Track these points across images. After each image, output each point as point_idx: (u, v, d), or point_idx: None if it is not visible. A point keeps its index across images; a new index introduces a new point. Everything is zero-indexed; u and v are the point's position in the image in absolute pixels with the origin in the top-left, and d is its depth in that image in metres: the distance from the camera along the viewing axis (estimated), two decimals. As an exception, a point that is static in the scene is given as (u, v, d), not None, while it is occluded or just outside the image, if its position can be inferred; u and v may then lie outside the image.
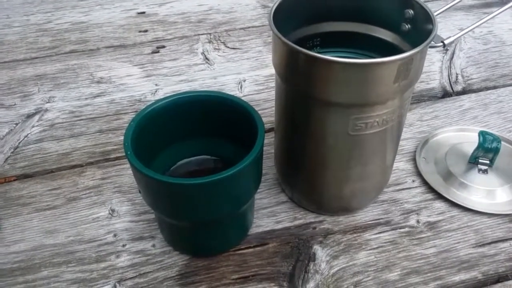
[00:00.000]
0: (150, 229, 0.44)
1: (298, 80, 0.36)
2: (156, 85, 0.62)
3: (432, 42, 0.39)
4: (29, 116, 0.57)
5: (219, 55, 0.67)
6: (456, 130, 0.53)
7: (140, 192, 0.38)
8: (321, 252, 0.42)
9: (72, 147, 0.53)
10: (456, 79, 0.62)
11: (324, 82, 0.34)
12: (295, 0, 0.40)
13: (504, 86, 0.61)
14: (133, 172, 0.36)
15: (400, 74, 0.33)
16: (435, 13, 0.44)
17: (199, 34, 0.72)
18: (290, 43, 0.34)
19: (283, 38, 0.34)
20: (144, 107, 0.39)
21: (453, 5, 0.47)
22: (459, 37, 0.42)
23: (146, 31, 0.73)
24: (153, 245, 0.42)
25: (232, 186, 0.35)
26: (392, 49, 0.42)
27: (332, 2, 0.41)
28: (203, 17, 0.76)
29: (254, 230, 0.44)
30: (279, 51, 0.36)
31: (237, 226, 0.42)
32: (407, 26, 0.40)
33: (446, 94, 0.60)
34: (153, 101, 0.40)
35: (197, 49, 0.69)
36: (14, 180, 0.49)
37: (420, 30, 0.38)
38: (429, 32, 0.36)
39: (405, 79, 0.34)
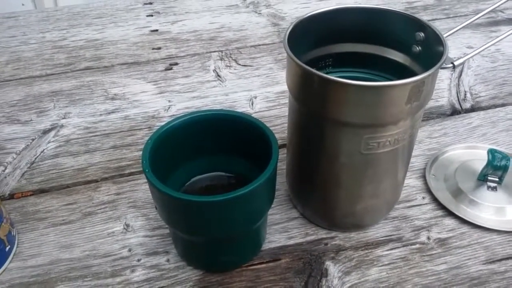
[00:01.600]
0: (164, 244, 0.44)
1: (312, 101, 0.37)
2: (169, 101, 0.63)
3: (443, 64, 0.40)
4: (45, 131, 0.58)
5: (230, 72, 0.69)
6: (465, 148, 0.54)
7: (156, 208, 0.39)
8: (333, 268, 0.42)
9: (88, 162, 0.54)
10: (465, 97, 0.63)
11: (337, 104, 0.35)
12: (309, 22, 0.41)
13: (512, 104, 0.62)
14: (151, 189, 0.37)
15: (412, 96, 0.34)
16: (445, 35, 0.45)
17: (211, 52, 0.73)
18: (304, 65, 0.35)
19: (297, 61, 0.35)
20: (159, 126, 0.40)
21: (462, 27, 0.48)
22: (469, 58, 0.43)
23: (159, 48, 0.75)
24: (167, 260, 0.43)
25: (247, 204, 0.36)
26: (403, 70, 0.43)
27: (345, 24, 0.43)
28: (214, 34, 0.78)
29: (266, 245, 0.44)
30: (293, 72, 0.37)
31: (250, 242, 0.42)
32: (418, 48, 0.41)
33: (455, 112, 0.60)
34: (168, 120, 0.41)
35: (209, 66, 0.70)
36: (31, 195, 0.50)
37: (430, 52, 0.39)
38: (439, 54, 0.37)
39: (416, 101, 0.35)
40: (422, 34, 0.40)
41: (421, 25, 0.40)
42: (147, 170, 0.36)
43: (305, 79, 0.36)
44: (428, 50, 0.40)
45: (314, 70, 0.34)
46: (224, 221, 0.37)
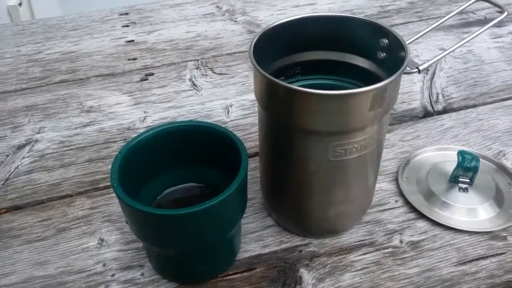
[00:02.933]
0: (138, 258, 0.44)
1: (279, 110, 0.37)
2: (145, 112, 0.63)
3: (408, 69, 0.40)
4: (20, 147, 0.58)
5: (206, 81, 0.69)
6: (437, 150, 0.55)
7: (127, 222, 0.39)
8: (307, 276, 0.42)
9: (62, 177, 0.54)
10: (437, 99, 0.64)
11: (302, 113, 0.35)
12: (276, 31, 0.41)
13: (483, 104, 0.62)
14: (120, 203, 0.37)
15: (375, 103, 0.35)
16: (413, 38, 0.46)
17: (186, 61, 0.74)
18: (269, 76, 0.35)
19: (262, 71, 0.36)
20: (129, 139, 0.40)
21: (432, 29, 0.48)
22: (434, 62, 0.44)
23: (135, 59, 0.74)
24: (142, 274, 0.43)
25: (217, 215, 0.36)
26: (369, 76, 0.43)
27: (311, 32, 0.43)
28: (190, 43, 0.78)
29: (242, 255, 0.44)
30: (259, 83, 0.38)
31: (224, 253, 0.42)
32: (382, 54, 0.42)
33: (427, 114, 0.61)
34: (139, 133, 0.41)
35: (185, 76, 0.70)
36: (5, 212, 0.50)
37: (394, 57, 0.39)
38: (402, 59, 0.38)
39: (380, 107, 0.35)
40: (385, 41, 0.41)
41: (384, 32, 0.41)
42: (115, 185, 0.36)
43: (270, 89, 0.37)
44: (392, 56, 0.40)
45: (278, 80, 0.35)
46: (195, 233, 0.37)
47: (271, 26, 0.41)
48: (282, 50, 0.44)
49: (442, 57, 0.43)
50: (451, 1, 0.87)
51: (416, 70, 0.42)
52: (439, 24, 0.54)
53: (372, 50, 0.42)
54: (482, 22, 0.80)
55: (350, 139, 0.37)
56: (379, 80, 0.43)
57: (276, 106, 0.37)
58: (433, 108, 0.62)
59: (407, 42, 0.39)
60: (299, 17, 0.42)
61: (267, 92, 0.37)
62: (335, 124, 0.36)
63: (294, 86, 0.34)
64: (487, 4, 0.80)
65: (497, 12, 0.83)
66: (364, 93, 0.34)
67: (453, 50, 0.46)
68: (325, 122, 0.35)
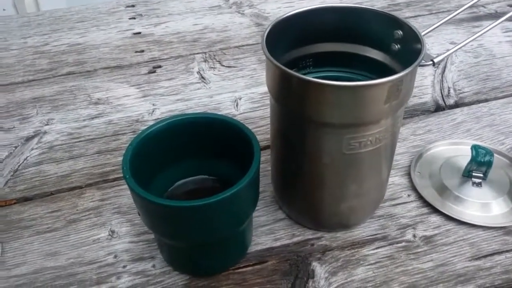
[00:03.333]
0: (150, 250, 0.44)
1: (292, 102, 0.37)
2: (153, 105, 0.63)
3: (422, 61, 0.40)
4: (28, 138, 0.58)
5: (214, 74, 0.68)
6: (449, 144, 0.54)
7: (139, 214, 0.38)
8: (319, 269, 0.42)
9: (71, 169, 0.53)
10: (448, 93, 0.63)
11: (316, 104, 0.35)
12: (288, 23, 0.41)
13: (495, 99, 0.62)
14: (132, 195, 0.37)
15: (391, 95, 0.34)
16: (424, 32, 0.45)
17: (194, 54, 0.73)
18: (283, 67, 0.35)
19: (276, 62, 0.35)
20: (140, 131, 0.40)
21: (443, 23, 0.48)
22: (449, 55, 0.43)
23: (142, 51, 0.74)
24: (153, 266, 0.43)
25: (229, 207, 0.36)
26: (383, 68, 0.43)
27: (323, 24, 0.43)
28: (198, 36, 0.77)
29: (253, 248, 0.44)
30: (272, 74, 0.37)
31: (236, 245, 0.42)
32: (397, 46, 0.41)
33: (438, 108, 0.61)
34: (149, 125, 0.41)
35: (192, 68, 0.70)
36: (14, 203, 0.50)
37: (409, 49, 0.39)
38: (418, 51, 0.37)
39: (395, 100, 0.35)
40: (400, 32, 0.40)
41: (399, 23, 0.40)
42: (127, 176, 0.36)
43: (284, 81, 0.36)
44: (406, 48, 0.40)
45: (292, 71, 0.34)
46: (207, 225, 0.36)
47: (283, 17, 0.40)
48: (294, 41, 0.43)
49: (457, 49, 0.43)
50: (461, -5, 0.87)
51: (431, 62, 0.41)
52: (451, 18, 0.53)
53: (386, 42, 0.42)
54: (493, 16, 0.80)
55: (365, 132, 0.36)
56: (393, 72, 0.42)
57: (289, 97, 0.37)
58: (444, 102, 0.61)
59: (423, 33, 0.39)
60: (312, 7, 0.42)
61: (281, 84, 0.37)
62: (349, 117, 0.35)
63: (309, 77, 0.34)
64: (498, -2, 0.79)
65: (508, 5, 0.82)
66: (380, 85, 0.33)
67: (467, 43, 0.45)
68: (339, 114, 0.35)
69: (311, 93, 0.35)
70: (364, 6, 0.42)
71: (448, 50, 0.43)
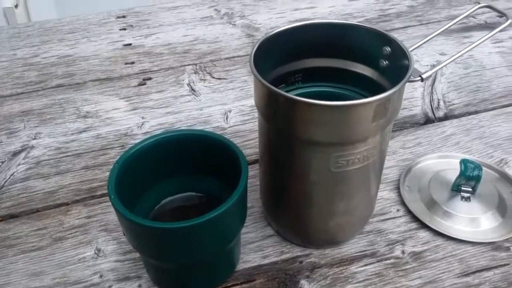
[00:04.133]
0: (136, 269, 0.43)
1: (279, 120, 0.37)
2: (142, 118, 0.62)
3: (411, 77, 0.39)
4: (15, 153, 0.57)
5: (205, 86, 0.68)
6: (438, 157, 0.54)
7: (124, 234, 0.38)
8: (308, 287, 0.42)
9: (58, 184, 0.53)
10: (438, 105, 0.63)
11: (303, 123, 0.35)
12: (277, 38, 0.40)
13: (485, 110, 0.62)
14: (117, 216, 0.36)
15: (378, 113, 0.34)
16: (415, 46, 0.45)
17: (185, 65, 0.73)
18: (270, 85, 0.34)
19: (263, 80, 0.35)
20: (127, 149, 0.40)
21: (433, 37, 0.48)
22: (437, 70, 0.43)
23: (132, 63, 0.74)
24: (139, 286, 0.42)
25: (217, 227, 0.36)
26: (371, 84, 0.43)
27: (312, 39, 0.42)
28: (188, 47, 0.77)
29: (241, 265, 0.44)
30: (260, 91, 0.37)
31: (224, 264, 0.42)
32: (385, 62, 0.41)
33: (428, 121, 0.60)
34: (137, 141, 0.40)
35: (183, 80, 0.69)
36: (0, 221, 0.49)
37: (397, 66, 0.39)
38: (406, 67, 0.37)
39: (383, 118, 0.35)
40: (388, 49, 0.40)
41: (387, 40, 0.40)
42: (112, 197, 0.35)
43: (271, 98, 0.36)
44: (395, 64, 0.40)
45: (279, 90, 0.34)
46: (194, 246, 0.36)
47: (272, 33, 0.40)
48: (282, 57, 0.43)
49: (445, 65, 0.43)
50: (451, 5, 0.87)
51: (419, 78, 0.41)
52: (444, 30, 0.53)
53: (375, 58, 0.42)
54: (483, 26, 0.80)
55: (353, 150, 0.36)
56: (381, 88, 0.42)
57: (277, 115, 0.37)
58: (434, 115, 0.61)
59: (410, 49, 0.39)
60: (300, 24, 0.42)
61: (268, 102, 0.37)
62: (337, 135, 0.35)
63: (296, 97, 0.33)
64: (488, 9, 0.80)
65: (497, 16, 0.82)
66: (367, 104, 0.33)
67: (457, 58, 0.45)
68: (326, 133, 0.35)
69: (298, 112, 0.34)
70: (353, 22, 0.42)
71: (438, 61, 0.43)
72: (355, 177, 0.39)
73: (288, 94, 0.34)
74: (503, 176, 0.51)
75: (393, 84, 0.34)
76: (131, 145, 0.40)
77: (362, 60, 0.43)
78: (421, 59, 0.72)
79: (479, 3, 0.67)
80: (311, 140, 0.36)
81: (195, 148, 0.42)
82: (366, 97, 0.34)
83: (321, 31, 0.43)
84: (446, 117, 0.61)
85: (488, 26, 0.80)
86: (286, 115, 0.35)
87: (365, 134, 0.35)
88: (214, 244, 0.37)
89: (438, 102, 0.63)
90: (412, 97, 0.65)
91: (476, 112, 0.62)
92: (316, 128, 0.35)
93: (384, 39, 0.40)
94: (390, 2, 0.89)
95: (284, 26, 0.41)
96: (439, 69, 0.42)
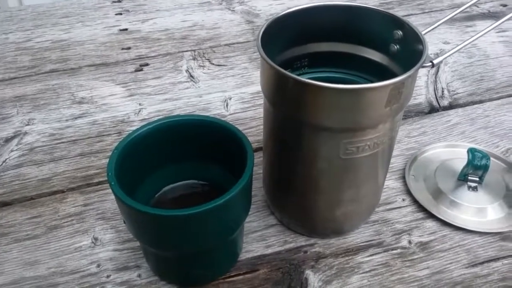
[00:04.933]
0: (135, 258, 0.42)
1: (288, 105, 0.35)
2: (139, 104, 0.60)
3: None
4: (8, 140, 0.55)
5: (204, 72, 0.66)
6: (444, 146, 0.53)
7: (124, 222, 0.36)
8: (313, 277, 0.40)
9: (53, 172, 0.51)
10: (442, 94, 0.62)
11: (314, 107, 0.33)
12: (283, 22, 0.39)
13: (490, 100, 0.61)
14: (118, 203, 0.34)
15: (392, 98, 0.33)
16: (422, 32, 0.43)
17: (183, 51, 0.71)
18: (279, 68, 0.33)
19: (272, 63, 0.33)
20: (126, 134, 0.38)
21: (441, 23, 0.46)
22: (449, 55, 0.41)
23: (129, 48, 0.72)
24: (139, 275, 0.41)
25: (221, 215, 0.34)
26: (381, 70, 0.41)
27: (320, 22, 0.41)
28: (187, 33, 0.75)
29: (244, 255, 0.42)
30: (268, 75, 0.36)
31: (227, 254, 0.40)
32: (396, 47, 0.40)
33: (433, 110, 0.59)
34: (136, 127, 0.38)
35: (181, 67, 0.67)
36: (-8, 208, 0.47)
37: (409, 50, 0.37)
38: (419, 52, 0.36)
39: (396, 103, 0.33)
40: (400, 33, 0.39)
41: (399, 23, 0.38)
42: (112, 183, 0.34)
43: (280, 82, 0.35)
44: (406, 49, 0.38)
45: (289, 73, 0.33)
46: (197, 235, 0.34)
47: (278, 16, 0.38)
48: (289, 41, 0.41)
49: (457, 50, 0.41)
50: (454, -6, 0.86)
51: (430, 64, 0.39)
52: (452, 17, 0.51)
53: (385, 42, 0.40)
54: (486, 15, 0.79)
55: (363, 136, 0.35)
56: (390, 73, 0.41)
57: (285, 100, 0.35)
58: (438, 104, 0.60)
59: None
60: (309, 5, 0.40)
61: (276, 86, 0.35)
62: (348, 121, 0.33)
63: (308, 80, 0.32)
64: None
65: (501, 5, 0.81)
66: (382, 88, 0.32)
67: (468, 44, 0.44)
68: (338, 118, 0.33)
69: (308, 96, 0.33)
70: (362, 4, 0.41)
71: (442, 50, 0.41)
72: (364, 165, 0.37)
73: (299, 77, 0.32)
74: (510, 166, 0.50)
75: (404, 70, 0.33)
76: (129, 132, 0.38)
77: (372, 44, 0.41)
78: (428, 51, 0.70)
79: (483, -9, 0.66)
80: (321, 125, 0.34)
81: (198, 135, 0.40)
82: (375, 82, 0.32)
83: (329, 14, 0.41)
84: (451, 106, 0.60)
85: (491, 15, 0.79)
86: (295, 99, 0.34)
87: (377, 120, 0.34)
88: (217, 233, 0.36)
89: (443, 91, 0.62)
90: (416, 85, 0.63)
91: (480, 102, 0.61)
92: (328, 113, 0.33)
93: (395, 22, 0.39)
94: (391, -10, 0.87)
95: (291, 8, 0.40)
96: (451, 54, 0.40)
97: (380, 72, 0.41)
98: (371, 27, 0.40)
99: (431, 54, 0.69)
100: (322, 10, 0.41)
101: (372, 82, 0.42)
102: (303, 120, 0.35)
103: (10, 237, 0.44)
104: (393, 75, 0.40)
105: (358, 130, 0.34)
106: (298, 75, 0.44)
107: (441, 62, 0.40)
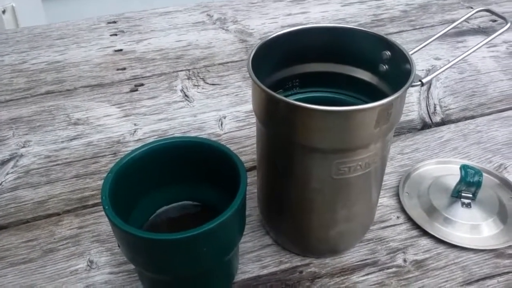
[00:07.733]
0: (130, 281, 0.42)
1: (279, 126, 0.36)
2: (135, 124, 0.61)
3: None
4: (4, 162, 0.55)
5: (198, 92, 0.67)
6: (437, 163, 0.53)
7: (119, 246, 0.37)
8: (308, 298, 0.41)
9: (48, 194, 0.51)
10: (435, 110, 0.62)
11: (305, 129, 0.34)
12: (274, 43, 0.40)
13: (482, 115, 0.62)
14: (112, 227, 0.35)
15: (381, 119, 0.33)
16: (413, 50, 0.44)
17: (177, 71, 0.71)
18: (269, 91, 0.33)
19: (262, 86, 0.34)
20: (121, 157, 0.38)
21: (431, 42, 0.47)
22: (438, 74, 0.42)
23: (124, 69, 0.72)
24: (135, 299, 0.41)
25: (215, 238, 0.34)
26: (370, 89, 0.42)
27: (310, 44, 0.42)
28: (181, 53, 0.76)
29: (239, 276, 0.42)
30: (259, 97, 0.36)
31: (222, 276, 0.40)
32: (384, 67, 0.40)
33: (425, 126, 0.60)
34: (130, 149, 0.39)
35: (176, 86, 0.68)
36: (-13, 232, 0.47)
37: (397, 70, 0.38)
38: (406, 72, 0.36)
39: (385, 123, 0.34)
40: (388, 53, 0.39)
41: (387, 44, 0.39)
42: (106, 207, 0.34)
43: (271, 104, 0.35)
44: (395, 69, 0.39)
45: (279, 95, 0.33)
46: (192, 258, 0.35)
47: (269, 38, 0.39)
48: (280, 62, 0.42)
49: (447, 68, 0.42)
50: (444, 10, 0.87)
51: (419, 83, 0.40)
52: (443, 34, 0.52)
53: (374, 63, 0.41)
54: (476, 31, 0.80)
55: (355, 156, 0.35)
56: (380, 93, 0.41)
57: (276, 121, 0.36)
58: (431, 120, 0.61)
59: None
60: (298, 28, 0.41)
61: (267, 108, 0.36)
62: (339, 141, 0.34)
63: (297, 102, 0.32)
64: (481, 13, 0.80)
65: (490, 20, 0.83)
66: (370, 109, 0.32)
67: (457, 61, 0.44)
68: (328, 139, 0.34)
69: (299, 118, 0.33)
70: (351, 26, 0.42)
71: (433, 66, 0.42)
72: (357, 184, 0.38)
73: (289, 100, 0.33)
74: (503, 181, 0.51)
75: (393, 89, 0.34)
76: (124, 153, 0.39)
77: (361, 64, 0.42)
78: (416, 64, 0.71)
79: (471, 8, 0.67)
80: (312, 146, 0.35)
81: (191, 156, 0.41)
82: (365, 102, 0.33)
83: (320, 36, 0.42)
84: (443, 122, 0.60)
85: (481, 31, 0.80)
86: (286, 121, 0.34)
87: (367, 140, 0.34)
88: (212, 256, 0.36)
89: (435, 107, 0.63)
90: (408, 102, 0.64)
91: (472, 117, 0.61)
92: (318, 134, 0.34)
93: (384, 43, 0.39)
94: (383, 7, 0.88)
95: (282, 30, 0.40)
96: (440, 73, 0.41)
97: (371, 91, 0.42)
98: (360, 48, 0.41)
99: (422, 70, 0.70)
100: (312, 32, 0.41)
101: (363, 101, 0.43)
102: (294, 141, 0.35)
103: (6, 261, 0.44)
104: (383, 94, 0.40)
105: (349, 150, 0.34)
106: (290, 95, 0.45)
107: (430, 81, 0.41)
